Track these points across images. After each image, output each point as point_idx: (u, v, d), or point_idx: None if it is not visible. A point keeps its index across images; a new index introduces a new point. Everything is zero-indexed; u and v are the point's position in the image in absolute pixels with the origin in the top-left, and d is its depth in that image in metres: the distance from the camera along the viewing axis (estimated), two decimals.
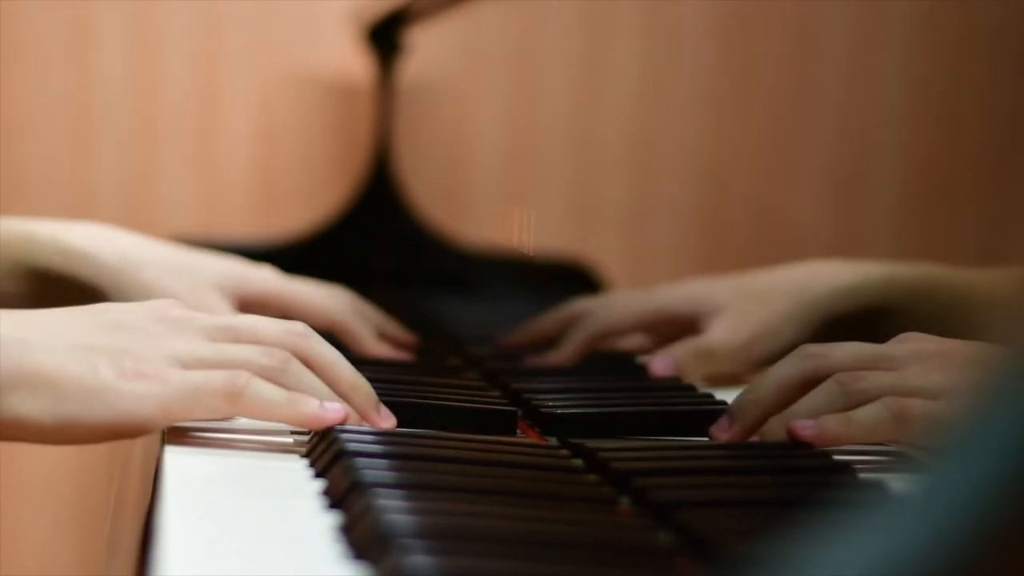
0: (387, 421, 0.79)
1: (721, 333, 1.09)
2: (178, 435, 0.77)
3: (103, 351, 0.74)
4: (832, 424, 0.78)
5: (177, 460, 0.73)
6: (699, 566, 0.58)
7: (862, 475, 0.73)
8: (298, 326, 0.80)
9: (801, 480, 0.74)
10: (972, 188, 1.73)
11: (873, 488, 0.69)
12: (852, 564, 0.34)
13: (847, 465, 0.74)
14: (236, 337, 0.78)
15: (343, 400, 0.77)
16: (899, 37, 1.72)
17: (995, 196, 1.71)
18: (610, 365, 1.13)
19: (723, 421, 0.82)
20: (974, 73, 1.72)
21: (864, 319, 1.09)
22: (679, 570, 0.58)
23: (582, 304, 1.17)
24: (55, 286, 1.03)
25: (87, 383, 0.73)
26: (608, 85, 1.69)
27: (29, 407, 0.72)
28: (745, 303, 1.11)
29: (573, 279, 1.51)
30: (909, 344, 0.83)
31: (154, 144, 1.63)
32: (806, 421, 0.78)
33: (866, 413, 0.78)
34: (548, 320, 1.17)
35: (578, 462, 0.75)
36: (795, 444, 0.80)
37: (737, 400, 0.83)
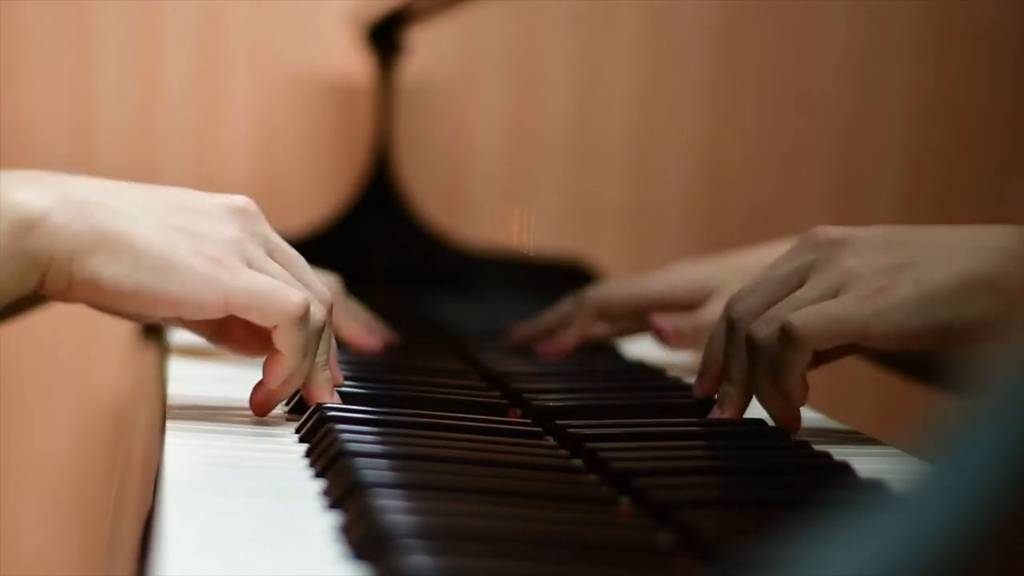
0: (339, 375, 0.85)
1: (717, 310, 1.10)
2: (179, 434, 0.77)
3: (183, 231, 0.79)
4: (763, 380, 0.82)
5: (177, 460, 0.73)
6: (699, 566, 0.58)
7: (862, 475, 0.73)
8: (334, 285, 0.84)
9: (801, 480, 0.74)
10: (972, 188, 1.73)
11: (873, 488, 0.69)
12: (852, 564, 0.34)
13: (847, 465, 0.74)
14: (288, 262, 0.83)
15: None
16: (899, 37, 1.72)
17: (995, 196, 1.71)
18: (605, 361, 1.13)
19: (696, 380, 0.88)
20: (974, 73, 1.72)
21: None
22: (679, 570, 0.58)
23: (580, 293, 1.18)
24: None
25: (165, 256, 0.77)
26: (608, 85, 1.69)
27: (110, 270, 0.77)
28: (739, 280, 1.13)
29: (573, 279, 1.51)
30: (806, 239, 0.86)
31: (154, 144, 1.63)
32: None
33: (784, 353, 0.81)
34: (551, 315, 1.17)
35: (578, 462, 0.75)
36: (795, 444, 0.81)
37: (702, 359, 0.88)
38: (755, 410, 0.86)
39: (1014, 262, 0.77)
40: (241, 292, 0.78)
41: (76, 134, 1.61)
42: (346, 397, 0.84)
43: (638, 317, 1.15)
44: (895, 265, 0.81)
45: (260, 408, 0.82)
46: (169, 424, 0.81)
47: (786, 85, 1.72)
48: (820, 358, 0.84)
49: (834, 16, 1.71)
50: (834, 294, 0.82)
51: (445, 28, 1.60)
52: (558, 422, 0.82)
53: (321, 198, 1.59)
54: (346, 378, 0.87)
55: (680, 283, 1.15)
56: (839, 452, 0.77)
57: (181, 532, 0.59)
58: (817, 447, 0.79)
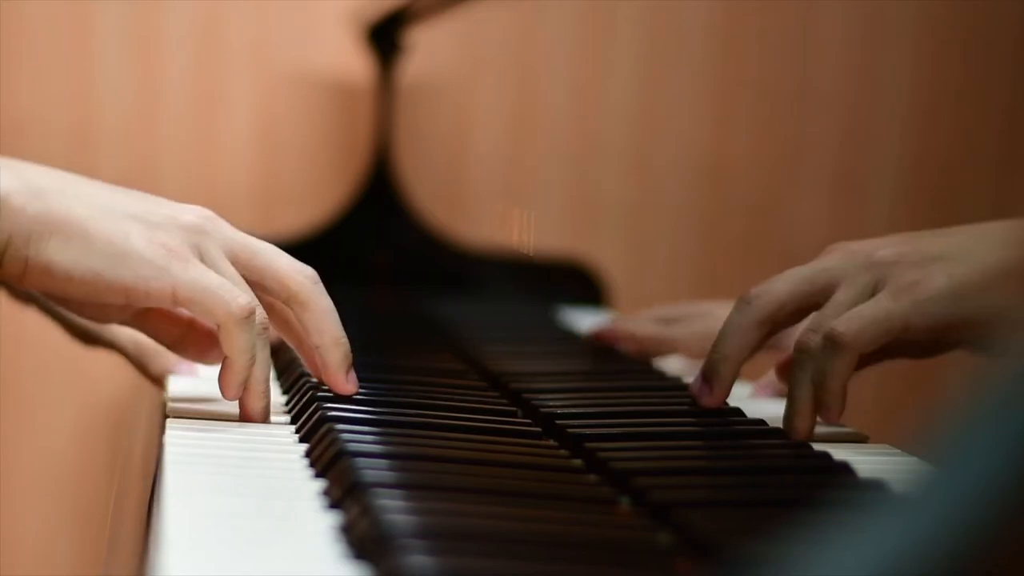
0: (351, 386, 0.83)
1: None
2: (179, 434, 0.77)
3: (137, 220, 0.79)
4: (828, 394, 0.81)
5: (177, 460, 0.73)
6: (699, 566, 0.58)
7: (862, 475, 0.73)
8: (310, 270, 0.84)
9: (801, 480, 0.74)
10: (972, 188, 1.73)
11: (873, 488, 0.69)
12: (852, 564, 0.34)
13: (847, 465, 0.74)
14: (253, 259, 0.83)
15: (318, 354, 0.82)
16: (899, 36, 1.72)
17: (995, 196, 1.71)
18: (612, 366, 1.13)
19: (702, 385, 0.85)
20: (973, 72, 1.72)
21: None
22: (679, 570, 0.58)
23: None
24: None
25: (116, 243, 0.78)
26: (608, 85, 1.69)
27: (61, 255, 0.78)
28: None
29: (573, 279, 1.51)
30: (836, 255, 0.85)
31: (154, 144, 1.63)
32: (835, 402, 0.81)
33: (875, 303, 0.81)
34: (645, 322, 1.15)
35: (578, 462, 0.75)
36: (795, 444, 0.80)
37: (707, 362, 0.85)
38: (755, 410, 0.86)
39: None
40: (189, 284, 0.79)
41: (76, 134, 1.61)
42: (346, 397, 0.83)
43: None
44: (926, 257, 0.81)
45: (246, 416, 0.82)
46: (169, 424, 0.81)
47: (786, 85, 1.72)
48: (862, 362, 0.84)
49: (834, 16, 1.71)
50: (872, 292, 0.83)
51: (445, 28, 1.60)
52: (558, 422, 0.82)
53: (321, 198, 1.59)
54: None
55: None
56: (839, 452, 0.77)
57: (181, 532, 0.59)
58: (817, 447, 0.79)
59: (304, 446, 0.76)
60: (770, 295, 0.84)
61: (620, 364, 1.12)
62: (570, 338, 1.26)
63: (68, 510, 1.65)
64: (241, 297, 0.79)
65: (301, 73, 1.64)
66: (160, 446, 0.76)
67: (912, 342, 0.83)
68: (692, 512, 0.63)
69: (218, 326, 0.80)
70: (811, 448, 0.79)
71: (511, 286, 1.53)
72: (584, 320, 1.33)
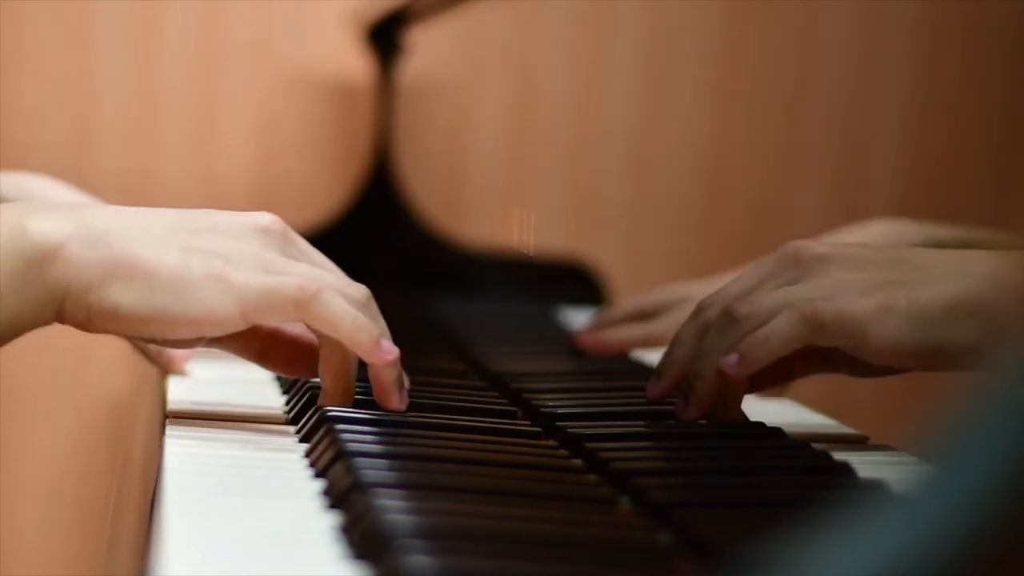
0: (403, 404, 0.81)
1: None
2: (179, 435, 0.77)
3: (196, 249, 0.77)
4: (751, 347, 0.80)
5: (177, 460, 0.73)
6: (699, 566, 0.58)
7: (862, 475, 0.73)
8: (364, 289, 0.82)
9: (801, 480, 0.74)
10: (973, 188, 1.73)
11: (873, 488, 0.69)
12: (852, 564, 0.34)
13: (847, 465, 0.74)
14: (320, 267, 0.81)
15: (370, 373, 0.80)
16: (900, 36, 1.72)
17: (995, 196, 1.71)
18: (612, 366, 1.13)
19: (652, 381, 0.86)
20: (975, 72, 1.72)
21: None
22: (679, 570, 0.58)
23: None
24: None
25: (178, 276, 0.76)
26: (608, 85, 1.69)
27: (126, 296, 0.76)
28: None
29: (573, 279, 1.51)
30: (788, 253, 0.84)
31: (154, 144, 1.63)
32: (729, 357, 0.79)
33: (779, 322, 0.79)
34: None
35: (578, 462, 0.75)
36: (795, 444, 0.80)
37: (661, 360, 0.86)
38: (755, 410, 0.86)
39: (999, 289, 0.77)
40: (252, 295, 0.76)
41: (76, 134, 1.61)
42: None
43: None
44: (888, 282, 0.80)
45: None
46: (169, 424, 0.81)
47: (786, 85, 1.72)
48: (786, 370, 0.83)
49: (834, 16, 1.71)
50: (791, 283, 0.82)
51: (445, 28, 1.60)
52: (558, 423, 0.82)
53: (321, 198, 1.59)
54: None
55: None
56: (839, 452, 0.77)
57: (181, 532, 0.59)
58: (817, 447, 0.79)
59: (304, 446, 0.76)
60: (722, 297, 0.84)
61: (620, 364, 1.13)
62: (570, 338, 1.26)
63: (68, 510, 1.65)
64: (290, 283, 0.77)
65: (301, 73, 1.64)
66: (160, 446, 0.76)
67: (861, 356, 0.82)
68: (692, 512, 0.63)
69: (308, 317, 0.78)
70: (811, 448, 0.79)
71: (511, 286, 1.53)
72: (584, 320, 1.33)
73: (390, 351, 0.78)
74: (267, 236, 0.80)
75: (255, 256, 0.78)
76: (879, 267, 0.81)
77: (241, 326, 0.78)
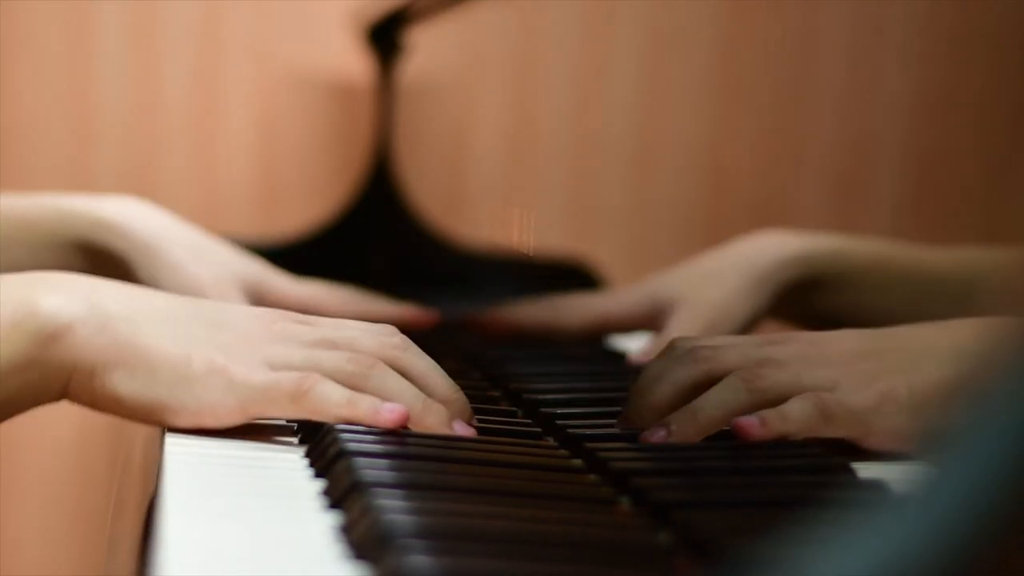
0: (465, 432, 0.79)
1: (679, 326, 1.09)
2: (179, 434, 0.77)
3: (201, 343, 0.77)
4: (773, 419, 0.78)
5: (177, 460, 0.73)
6: (699, 566, 0.58)
7: (862, 475, 0.73)
8: (396, 338, 0.80)
9: (801, 480, 0.74)
10: (973, 188, 1.73)
11: (873, 488, 0.69)
12: (852, 564, 0.34)
13: (847, 465, 0.74)
14: (334, 348, 0.79)
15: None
16: (900, 36, 1.72)
17: (996, 196, 1.71)
18: (613, 366, 1.13)
19: (622, 420, 0.81)
20: (975, 71, 1.72)
21: (812, 288, 1.10)
22: (679, 570, 0.58)
23: (549, 302, 1.18)
24: (90, 258, 1.06)
25: (179, 371, 0.76)
26: (608, 85, 1.69)
27: (127, 386, 0.76)
28: (697, 289, 1.12)
29: (573, 279, 1.51)
30: (791, 345, 0.82)
31: (154, 144, 1.63)
32: (750, 418, 0.78)
33: (798, 408, 0.78)
34: (520, 312, 1.18)
35: (578, 462, 0.75)
36: (795, 444, 0.80)
37: (632, 402, 0.81)
38: None
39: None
40: (252, 392, 0.76)
41: (76, 134, 1.61)
42: None
43: (602, 332, 1.16)
44: (883, 371, 0.79)
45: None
46: None
47: (786, 85, 1.72)
48: None
49: (835, 16, 1.71)
50: (832, 387, 0.80)
51: (445, 28, 1.60)
52: (558, 422, 0.82)
53: (321, 198, 1.59)
54: None
55: (636, 297, 1.14)
56: (839, 452, 0.77)
57: (181, 532, 0.59)
58: (817, 447, 0.79)
59: (304, 446, 0.76)
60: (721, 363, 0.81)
61: (621, 364, 1.13)
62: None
63: (68, 510, 1.65)
64: (286, 379, 0.76)
65: (301, 73, 1.64)
66: (160, 446, 0.76)
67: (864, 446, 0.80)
68: (692, 512, 0.63)
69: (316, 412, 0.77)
70: (811, 448, 0.79)
71: (511, 286, 1.53)
72: None
73: (392, 411, 0.76)
74: (276, 321, 0.80)
75: (259, 350, 0.77)
76: (868, 359, 0.80)
77: (241, 420, 0.77)
